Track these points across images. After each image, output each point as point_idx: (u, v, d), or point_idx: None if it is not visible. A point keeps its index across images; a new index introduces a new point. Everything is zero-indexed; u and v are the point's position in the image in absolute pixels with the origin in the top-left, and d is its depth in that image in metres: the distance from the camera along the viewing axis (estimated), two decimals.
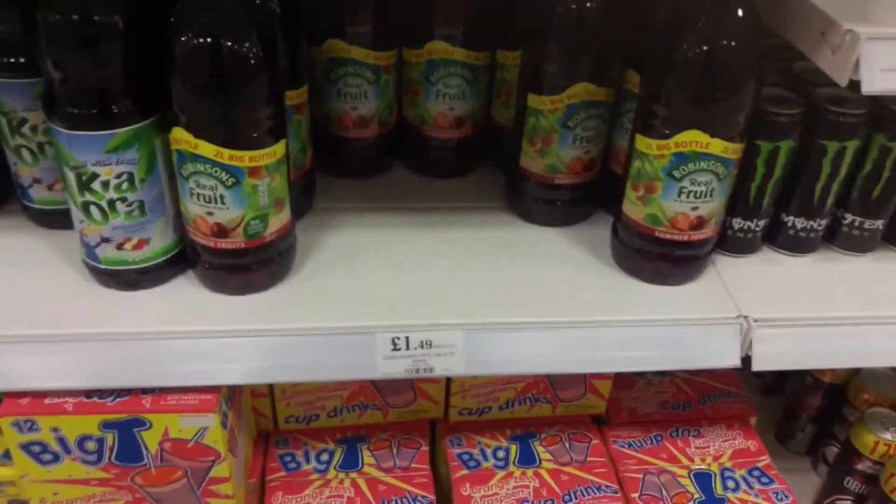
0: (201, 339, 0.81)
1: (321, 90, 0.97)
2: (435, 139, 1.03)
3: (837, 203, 0.93)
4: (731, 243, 0.94)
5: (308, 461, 1.04)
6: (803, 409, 1.28)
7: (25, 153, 0.86)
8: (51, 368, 0.80)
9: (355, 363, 0.83)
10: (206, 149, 0.74)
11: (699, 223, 0.85)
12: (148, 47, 0.72)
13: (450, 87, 0.98)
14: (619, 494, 1.01)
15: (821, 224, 0.93)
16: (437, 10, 0.94)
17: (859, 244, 0.95)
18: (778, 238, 0.95)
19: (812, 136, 0.87)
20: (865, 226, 0.94)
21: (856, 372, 1.21)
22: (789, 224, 0.94)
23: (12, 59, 0.81)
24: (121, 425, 0.83)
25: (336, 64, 0.95)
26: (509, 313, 0.84)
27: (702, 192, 0.82)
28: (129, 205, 0.79)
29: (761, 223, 0.93)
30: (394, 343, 0.83)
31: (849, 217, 0.94)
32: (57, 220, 0.89)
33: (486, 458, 1.05)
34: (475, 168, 1.09)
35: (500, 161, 1.06)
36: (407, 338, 0.83)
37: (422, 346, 0.83)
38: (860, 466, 1.12)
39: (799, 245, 0.95)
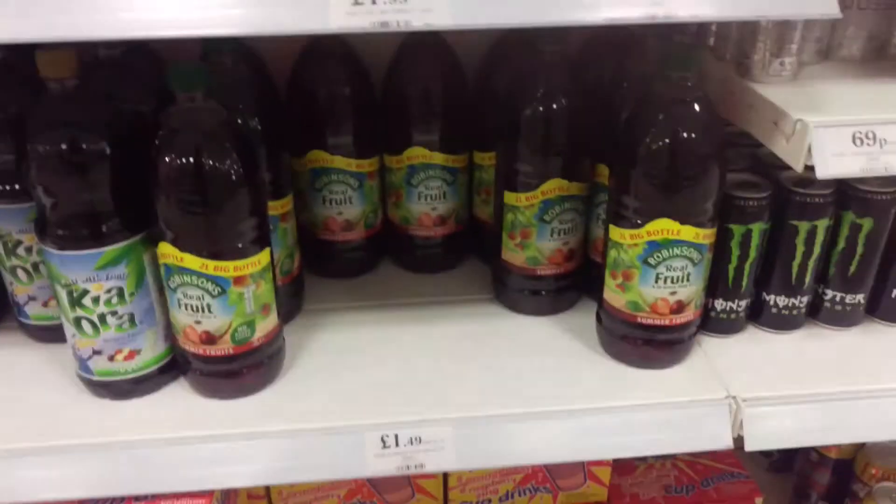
0: (194, 444, 0.82)
1: (307, 197, 1.01)
2: (419, 237, 1.06)
3: (817, 279, 0.95)
4: (715, 324, 0.95)
5: None
6: (813, 487, 1.26)
7: (21, 273, 0.90)
8: (49, 480, 0.81)
9: (346, 462, 0.84)
10: (192, 261, 0.77)
11: (679, 307, 0.86)
12: (133, 169, 0.76)
13: (430, 188, 1.02)
14: None
15: (802, 301, 0.95)
16: (415, 118, 0.99)
17: (843, 319, 0.96)
18: (761, 316, 0.96)
19: (782, 217, 0.89)
20: (847, 300, 0.95)
21: (861, 446, 1.19)
22: (771, 302, 0.95)
23: (7, 187, 0.85)
24: None
25: (320, 173, 0.99)
26: (498, 405, 0.85)
27: (678, 276, 0.84)
28: (120, 318, 0.82)
29: (743, 303, 0.94)
30: (383, 441, 0.83)
31: (829, 293, 0.95)
32: (52, 334, 0.91)
33: None
34: (461, 262, 1.12)
35: (485, 255, 1.08)
36: (396, 435, 0.83)
37: (411, 443, 0.84)
38: None
39: (783, 323, 0.96)
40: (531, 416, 0.85)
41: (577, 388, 0.88)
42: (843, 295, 0.94)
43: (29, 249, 0.89)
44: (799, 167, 0.73)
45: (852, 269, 0.93)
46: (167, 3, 0.63)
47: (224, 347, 0.82)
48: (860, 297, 0.95)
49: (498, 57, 1.02)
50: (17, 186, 0.85)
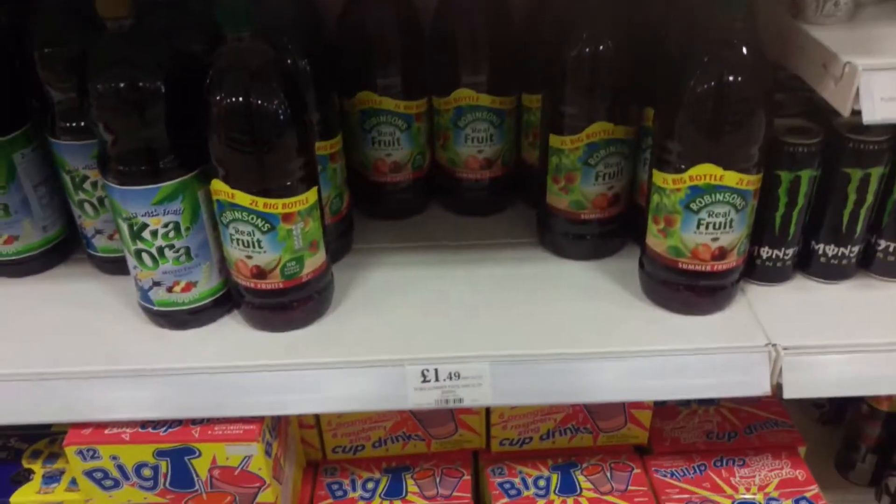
0: (246, 373, 0.87)
1: (356, 139, 1.04)
2: (466, 180, 1.07)
3: (869, 229, 0.92)
4: (760, 272, 0.94)
5: (354, 489, 1.08)
6: (862, 440, 1.25)
7: (88, 207, 0.95)
8: (110, 401, 0.88)
9: (388, 394, 0.88)
10: (243, 198, 0.81)
11: (721, 254, 0.86)
12: (187, 107, 0.79)
13: (478, 131, 1.03)
14: None
15: (853, 251, 0.93)
16: (462, 60, 0.99)
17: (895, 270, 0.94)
18: (810, 266, 0.95)
19: (835, 164, 0.87)
20: None
21: None
22: (820, 252, 0.93)
23: (73, 124, 0.90)
24: (173, 454, 0.90)
25: (368, 114, 1.01)
26: (535, 345, 0.87)
27: (720, 223, 0.84)
28: (177, 251, 0.86)
29: (790, 251, 0.93)
30: (423, 375, 0.87)
31: (882, 243, 0.93)
32: (117, 266, 0.97)
33: (527, 487, 1.07)
34: (507, 206, 1.13)
35: (532, 198, 1.09)
36: (436, 370, 0.86)
37: (450, 378, 0.87)
38: None
39: (832, 272, 0.95)
40: (568, 358, 0.86)
41: (616, 331, 0.89)
42: None
43: (94, 184, 0.94)
44: (846, 111, 0.71)
45: None
46: None
47: (274, 282, 0.86)
48: None
49: None
50: (81, 124, 0.90)
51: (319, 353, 0.87)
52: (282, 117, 0.78)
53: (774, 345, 0.86)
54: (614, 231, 1.00)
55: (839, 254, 0.93)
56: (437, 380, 0.87)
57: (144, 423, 0.90)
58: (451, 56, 0.99)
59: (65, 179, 0.95)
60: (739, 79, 0.76)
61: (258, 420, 0.90)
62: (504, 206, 1.13)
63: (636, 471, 1.09)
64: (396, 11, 0.98)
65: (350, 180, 1.03)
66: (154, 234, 0.84)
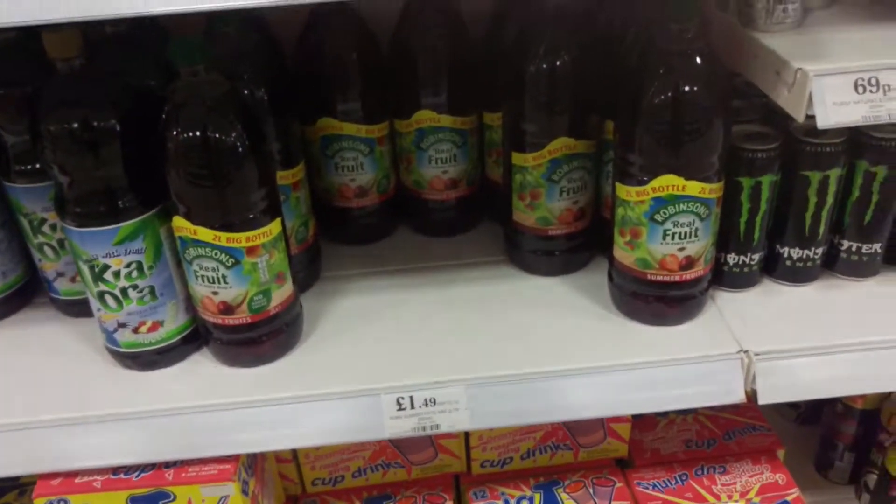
0: (218, 412, 0.85)
1: (319, 165, 1.03)
2: (433, 201, 1.07)
3: (832, 230, 0.94)
4: (728, 279, 0.95)
5: None
6: (839, 438, 1.25)
7: (48, 250, 0.93)
8: (79, 449, 0.85)
9: (364, 425, 0.86)
10: (205, 234, 0.80)
11: (688, 263, 0.86)
12: (144, 145, 0.78)
13: (441, 151, 1.03)
14: None
15: (817, 253, 0.94)
16: (421, 81, 0.99)
17: (860, 269, 0.95)
18: (776, 270, 0.96)
19: (794, 168, 0.88)
20: (863, 250, 0.94)
21: (887, 396, 1.18)
22: (785, 255, 0.94)
23: (28, 167, 0.89)
24: (147, 499, 0.87)
25: (330, 140, 1.01)
26: (510, 366, 0.87)
27: (685, 232, 0.84)
28: (141, 291, 0.84)
29: (756, 256, 0.93)
30: (399, 403, 0.86)
31: (845, 243, 0.94)
32: (81, 309, 0.95)
33: None
34: (475, 225, 1.12)
35: (499, 216, 1.09)
36: (411, 397, 0.86)
37: (426, 405, 0.86)
38: None
39: (798, 275, 0.95)
40: (543, 376, 0.86)
41: (590, 347, 0.89)
42: (860, 245, 0.93)
43: (53, 227, 0.92)
44: (800, 117, 0.72)
45: (868, 217, 0.91)
46: None
47: (241, 317, 0.85)
48: (877, 247, 0.93)
49: (501, 15, 1.01)
50: (36, 166, 0.88)
51: (292, 387, 0.86)
52: (240, 149, 0.77)
53: (746, 351, 0.86)
54: (582, 245, 1.00)
55: (804, 256, 0.94)
56: (412, 407, 0.86)
57: (116, 470, 0.88)
58: (411, 78, 0.99)
59: (22, 223, 0.93)
60: (695, 89, 0.77)
61: (233, 459, 0.89)
62: (472, 226, 1.12)
63: (618, 485, 1.08)
64: (353, 36, 0.98)
65: (315, 207, 1.02)
66: (116, 274, 0.83)
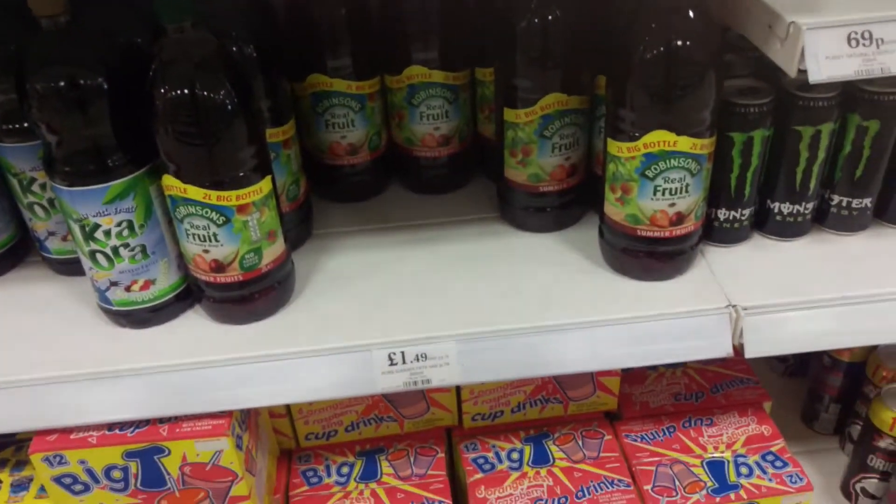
0: (211, 368, 0.86)
1: (310, 122, 1.02)
2: (424, 158, 1.07)
3: (822, 185, 0.94)
4: (719, 234, 0.95)
5: (329, 475, 1.08)
6: (825, 390, 1.27)
7: (38, 209, 0.93)
8: (74, 406, 0.86)
9: (356, 380, 0.87)
10: (195, 192, 0.79)
11: (679, 219, 0.86)
12: (132, 101, 0.78)
13: (432, 108, 1.02)
14: (631, 488, 1.03)
15: (807, 207, 0.94)
16: (412, 36, 0.98)
17: (850, 224, 0.96)
18: (766, 225, 0.96)
19: (786, 122, 0.88)
20: (853, 205, 0.94)
21: (873, 349, 1.20)
22: (776, 210, 0.94)
23: (16, 125, 0.87)
24: (142, 454, 0.89)
25: (320, 97, 1.00)
26: (501, 321, 0.87)
27: (676, 188, 0.84)
28: (132, 249, 0.84)
29: (747, 212, 0.94)
30: (390, 358, 0.86)
31: (836, 198, 0.94)
32: (73, 268, 0.95)
33: (500, 461, 1.08)
34: (468, 182, 1.12)
35: (491, 173, 1.09)
36: (402, 352, 0.86)
37: (417, 360, 0.87)
38: (881, 444, 1.12)
39: (788, 230, 0.96)
40: (533, 331, 0.87)
41: (580, 302, 0.89)
42: (850, 199, 0.94)
43: (43, 186, 0.92)
44: (793, 72, 0.72)
45: (859, 172, 0.91)
46: None
47: (233, 274, 0.85)
48: (867, 202, 0.94)
49: None
50: (24, 125, 0.87)
51: (284, 344, 0.87)
52: (229, 107, 0.76)
53: (735, 306, 0.87)
54: (573, 202, 1.00)
55: (794, 211, 0.94)
56: (404, 362, 0.86)
57: (111, 426, 0.89)
58: (401, 33, 0.98)
59: (12, 182, 0.92)
60: (687, 43, 0.76)
61: (227, 414, 0.90)
62: (464, 183, 1.12)
63: (607, 437, 1.10)
64: None
65: (306, 165, 1.02)
66: (107, 233, 0.83)
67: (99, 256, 0.84)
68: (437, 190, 1.10)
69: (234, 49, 0.85)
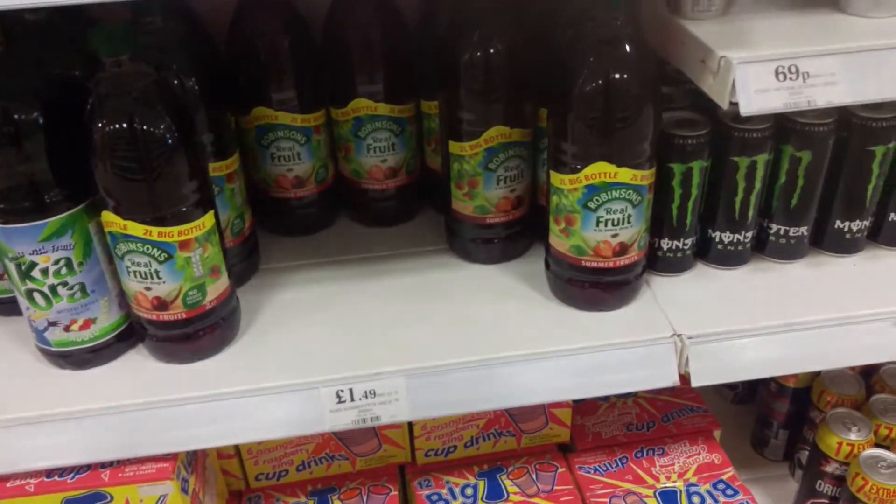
0: (154, 409, 0.84)
1: (255, 155, 1.02)
2: (372, 191, 1.07)
3: (760, 214, 0.96)
4: (662, 263, 0.97)
5: None
6: (773, 416, 1.29)
7: None
8: (10, 452, 0.83)
9: (304, 418, 0.86)
10: (136, 228, 0.78)
11: (622, 249, 0.87)
12: (69, 137, 0.76)
13: (379, 140, 1.02)
14: None
15: (747, 236, 0.96)
16: (357, 69, 0.98)
17: (788, 252, 0.98)
18: (708, 254, 0.98)
19: (723, 153, 0.90)
20: (791, 233, 0.96)
21: (817, 375, 1.22)
22: (717, 239, 0.96)
23: None
24: (83, 500, 0.86)
25: (266, 130, 0.99)
26: (450, 354, 0.87)
27: (619, 219, 0.85)
28: (71, 288, 0.82)
29: (689, 241, 0.95)
30: (338, 396, 0.85)
31: (774, 227, 0.97)
32: (10, 307, 0.92)
33: (454, 497, 1.07)
34: (415, 214, 1.12)
35: (439, 205, 1.09)
36: (351, 389, 0.85)
37: (366, 396, 0.86)
38: (828, 468, 1.13)
39: (730, 258, 0.98)
40: (482, 364, 0.87)
41: (528, 334, 0.90)
42: (788, 228, 0.96)
43: None
44: (725, 104, 0.74)
45: (794, 201, 0.94)
46: None
47: (176, 312, 0.84)
48: (804, 230, 0.96)
49: (436, 2, 1.01)
50: None
51: (230, 383, 0.85)
52: (169, 141, 0.75)
53: (680, 335, 0.88)
54: (520, 233, 1.01)
55: (735, 240, 0.96)
56: (352, 399, 0.85)
57: (50, 472, 0.86)
58: (346, 66, 0.99)
59: None
60: (625, 77, 0.78)
61: (171, 457, 0.88)
62: (412, 215, 1.12)
63: (560, 470, 1.10)
64: (285, 22, 0.96)
65: (252, 198, 1.01)
66: (45, 272, 0.81)
67: (36, 295, 0.82)
68: (386, 222, 1.10)
69: (175, 82, 0.84)
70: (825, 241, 0.99)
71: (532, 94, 0.92)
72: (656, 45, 0.88)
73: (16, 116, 0.75)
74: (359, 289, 0.98)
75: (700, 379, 0.89)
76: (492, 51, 0.87)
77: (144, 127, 0.74)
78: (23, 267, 0.80)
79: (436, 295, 0.97)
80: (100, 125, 0.73)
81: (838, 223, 0.97)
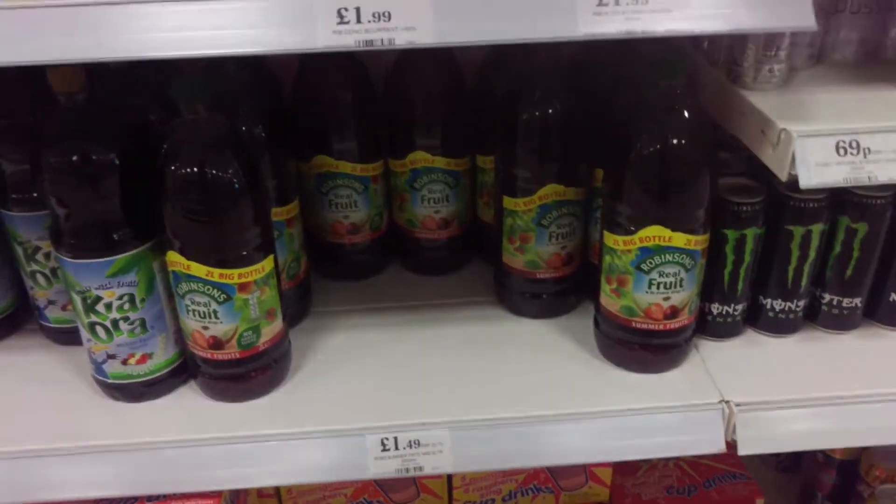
0: (203, 446, 0.86)
1: (313, 201, 1.04)
2: (424, 240, 1.09)
3: (814, 283, 0.95)
4: (712, 328, 0.96)
5: None
6: (818, 487, 1.26)
7: (40, 278, 0.94)
8: (61, 480, 0.85)
9: (348, 464, 0.87)
10: (198, 269, 0.81)
11: (673, 312, 0.88)
12: (142, 179, 0.79)
13: (434, 192, 1.04)
14: None
15: (799, 305, 0.95)
16: (417, 123, 1.01)
17: (840, 322, 0.97)
18: (759, 320, 0.97)
19: (778, 222, 0.90)
20: (844, 304, 0.95)
21: (866, 448, 1.19)
22: (768, 306, 0.96)
23: (25, 195, 0.89)
24: None
25: (325, 178, 1.02)
26: (495, 409, 0.87)
27: (671, 282, 0.85)
28: (132, 323, 0.85)
29: (740, 307, 0.95)
30: (383, 444, 0.86)
31: (827, 296, 0.96)
32: (71, 337, 0.95)
33: None
34: (466, 264, 1.14)
35: (489, 257, 1.10)
36: (395, 438, 0.86)
37: (410, 446, 0.86)
38: None
39: (780, 326, 0.97)
40: (527, 421, 0.87)
41: (574, 392, 0.90)
42: (841, 298, 0.95)
43: (47, 255, 0.93)
44: (784, 176, 0.74)
45: (849, 272, 0.93)
46: (170, 25, 0.66)
47: (230, 352, 0.86)
48: (857, 301, 0.95)
49: (496, 61, 1.03)
50: (34, 195, 0.89)
51: (278, 424, 0.86)
52: (237, 188, 0.78)
53: (728, 402, 0.87)
54: (569, 289, 1.01)
55: (786, 308, 0.95)
56: (396, 448, 0.86)
57: (99, 502, 0.88)
58: (406, 119, 1.02)
59: (16, 250, 0.94)
60: (682, 144, 0.79)
61: (216, 494, 0.89)
62: (462, 265, 1.14)
63: None
64: (349, 77, 1.00)
65: (307, 243, 1.04)
66: (108, 306, 0.83)
67: (98, 329, 0.85)
68: (436, 271, 1.12)
69: (244, 130, 0.87)
70: (879, 312, 0.98)
71: (588, 153, 0.93)
72: (713, 111, 0.90)
73: (93, 158, 0.78)
74: (407, 336, 1.00)
75: (747, 447, 0.87)
76: (550, 111, 0.89)
77: (215, 174, 0.77)
78: (88, 300, 0.83)
79: (483, 347, 0.97)
80: (173, 170, 0.77)
81: (893, 295, 0.96)
